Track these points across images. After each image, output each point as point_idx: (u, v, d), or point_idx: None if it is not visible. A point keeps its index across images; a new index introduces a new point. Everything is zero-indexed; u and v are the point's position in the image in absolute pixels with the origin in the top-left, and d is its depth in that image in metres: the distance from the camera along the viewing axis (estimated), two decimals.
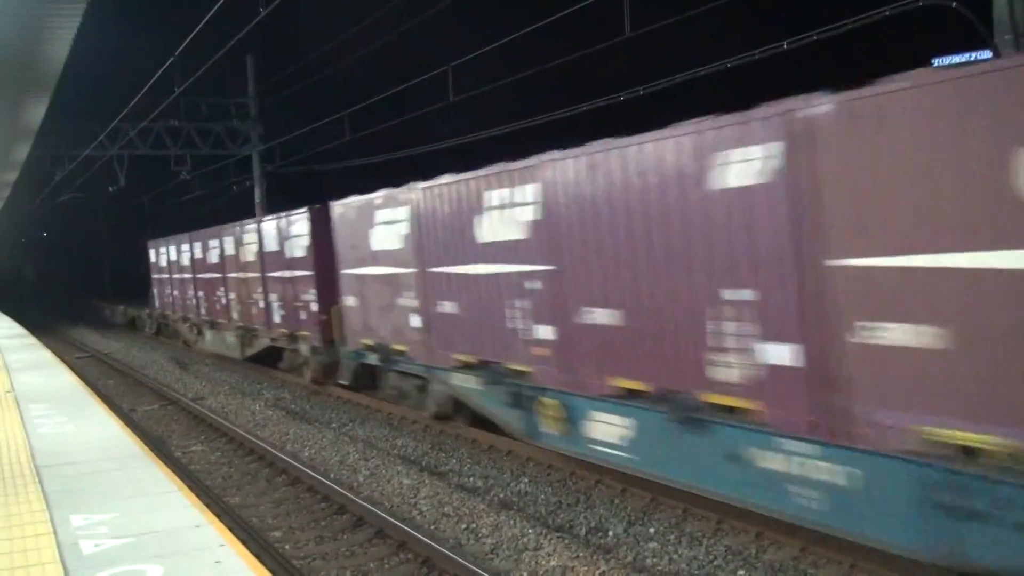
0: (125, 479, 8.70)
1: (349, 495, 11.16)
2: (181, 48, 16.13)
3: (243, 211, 29.77)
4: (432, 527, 10.08)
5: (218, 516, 7.82)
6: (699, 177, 8.55)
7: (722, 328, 8.44)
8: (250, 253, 22.65)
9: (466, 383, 13.14)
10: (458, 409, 14.16)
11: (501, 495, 11.24)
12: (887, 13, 11.33)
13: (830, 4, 13.44)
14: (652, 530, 9.60)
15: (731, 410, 8.54)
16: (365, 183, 16.68)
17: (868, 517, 7.27)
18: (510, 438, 13.08)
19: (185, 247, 29.40)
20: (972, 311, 6.34)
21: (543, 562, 8.79)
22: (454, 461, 13.05)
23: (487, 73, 19.16)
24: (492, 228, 11.97)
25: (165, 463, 9.87)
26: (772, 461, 8.11)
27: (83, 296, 59.90)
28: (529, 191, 11.17)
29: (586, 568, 8.50)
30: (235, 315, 24.57)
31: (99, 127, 27.58)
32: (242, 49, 25.35)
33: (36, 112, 18.60)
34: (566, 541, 9.26)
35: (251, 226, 22.78)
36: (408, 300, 14.46)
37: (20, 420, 12.27)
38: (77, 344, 36.02)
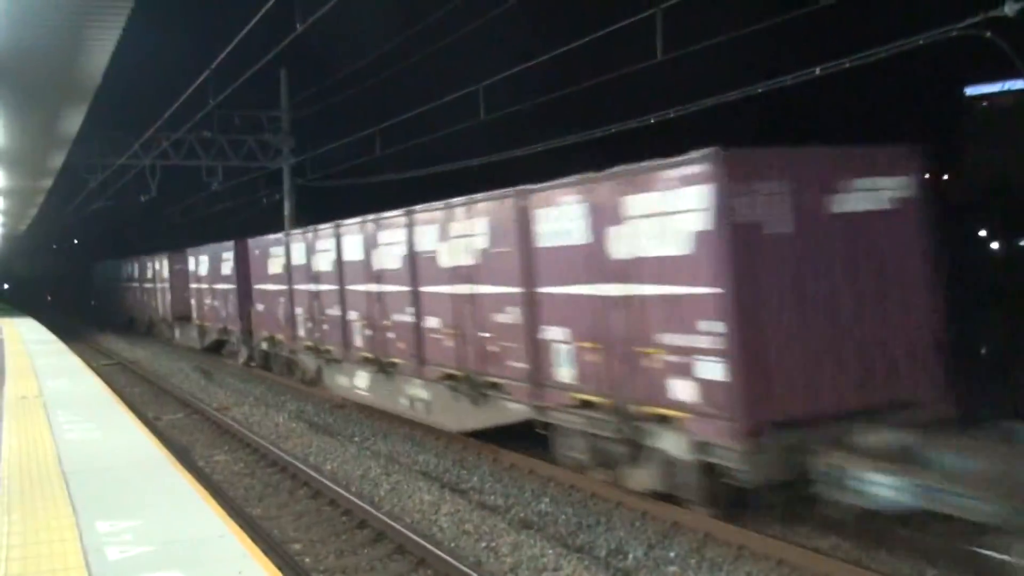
0: (150, 486, 8.79)
1: (370, 509, 11.19)
2: (217, 61, 16.34)
3: (272, 224, 29.98)
4: (452, 544, 10.08)
5: (241, 527, 7.87)
6: None
7: None
8: None
9: None
10: None
11: (522, 514, 11.23)
12: (921, 42, 11.28)
13: (864, 31, 13.42)
14: (672, 554, 9.55)
15: None
16: (395, 199, 16.77)
17: None
18: (531, 456, 13.07)
19: None
20: None
21: None
22: (475, 478, 13.04)
23: (518, 93, 19.27)
24: None
25: (189, 472, 9.96)
26: None
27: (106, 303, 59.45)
28: None
29: None
30: None
31: (133, 137, 27.93)
32: (276, 63, 25.61)
33: (73, 121, 18.87)
34: (586, 563, 9.23)
35: None
36: None
37: (48, 425, 12.41)
38: (104, 351, 36.35)
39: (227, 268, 27.70)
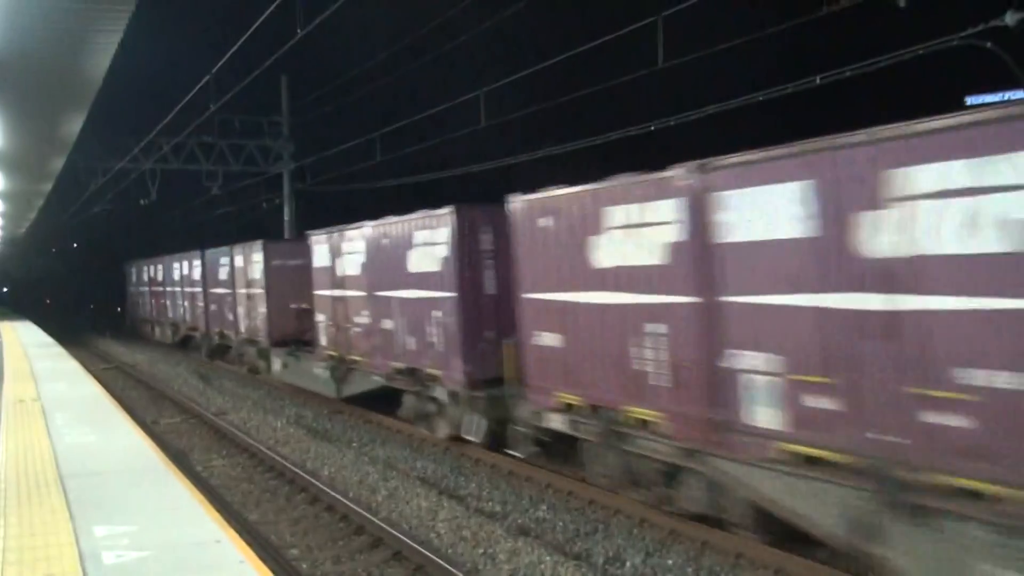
0: (147, 491, 8.75)
1: (368, 515, 11.16)
2: (218, 66, 16.36)
3: (271, 229, 29.98)
4: (449, 551, 10.06)
5: (238, 532, 7.84)
6: None
7: None
8: None
9: None
10: None
11: (519, 521, 11.20)
12: (920, 52, 11.31)
13: (865, 40, 13.44)
14: (670, 562, 9.53)
15: None
16: (395, 204, 16.76)
17: None
18: (529, 463, 13.04)
19: None
20: None
21: None
22: (473, 485, 13.02)
23: (519, 99, 19.31)
24: None
25: (187, 477, 9.92)
26: None
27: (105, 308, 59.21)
28: None
29: None
30: None
31: (133, 141, 27.95)
32: (277, 68, 25.67)
33: (74, 124, 18.86)
34: (583, 570, 9.20)
35: None
36: None
37: (45, 429, 12.38)
38: (103, 355, 36.30)
39: (423, 260, 15.31)
